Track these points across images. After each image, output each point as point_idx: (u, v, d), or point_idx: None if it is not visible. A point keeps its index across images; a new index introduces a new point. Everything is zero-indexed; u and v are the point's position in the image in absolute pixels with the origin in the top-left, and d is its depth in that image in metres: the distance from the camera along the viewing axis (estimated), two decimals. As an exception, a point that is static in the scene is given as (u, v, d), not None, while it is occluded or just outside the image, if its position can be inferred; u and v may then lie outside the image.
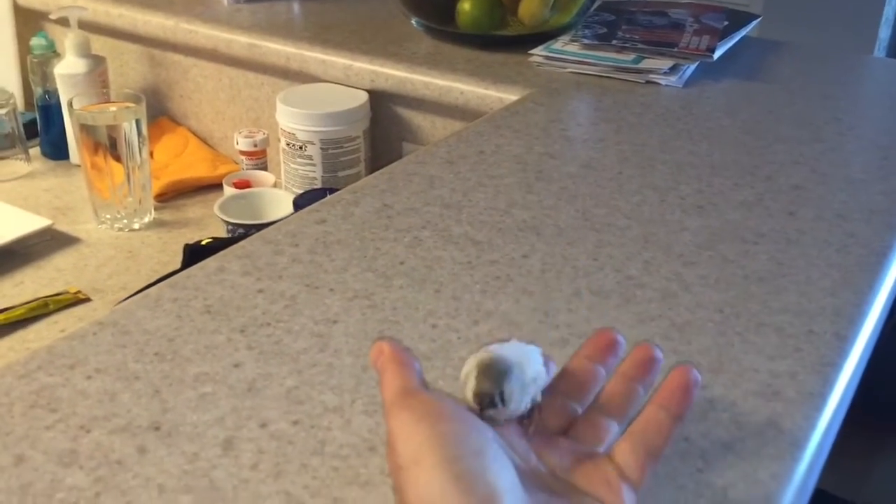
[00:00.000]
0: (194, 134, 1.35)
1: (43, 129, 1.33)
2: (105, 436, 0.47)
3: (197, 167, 1.27)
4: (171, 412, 0.49)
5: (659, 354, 0.43)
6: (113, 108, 1.11)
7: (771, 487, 0.45)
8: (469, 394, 0.38)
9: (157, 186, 1.20)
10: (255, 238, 0.68)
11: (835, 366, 0.55)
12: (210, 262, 0.64)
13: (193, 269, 0.63)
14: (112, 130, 1.07)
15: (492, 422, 0.38)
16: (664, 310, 0.60)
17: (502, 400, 0.38)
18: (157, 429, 0.47)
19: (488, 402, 0.38)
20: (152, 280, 0.95)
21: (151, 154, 1.31)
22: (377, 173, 0.80)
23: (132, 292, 0.93)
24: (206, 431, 0.47)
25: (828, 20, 2.03)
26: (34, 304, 0.95)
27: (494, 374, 0.38)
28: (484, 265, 0.65)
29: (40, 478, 0.44)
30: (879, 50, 2.07)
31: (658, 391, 0.42)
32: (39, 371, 0.52)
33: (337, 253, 0.66)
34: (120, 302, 0.68)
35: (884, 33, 2.05)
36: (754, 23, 1.18)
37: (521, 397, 0.39)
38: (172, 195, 1.23)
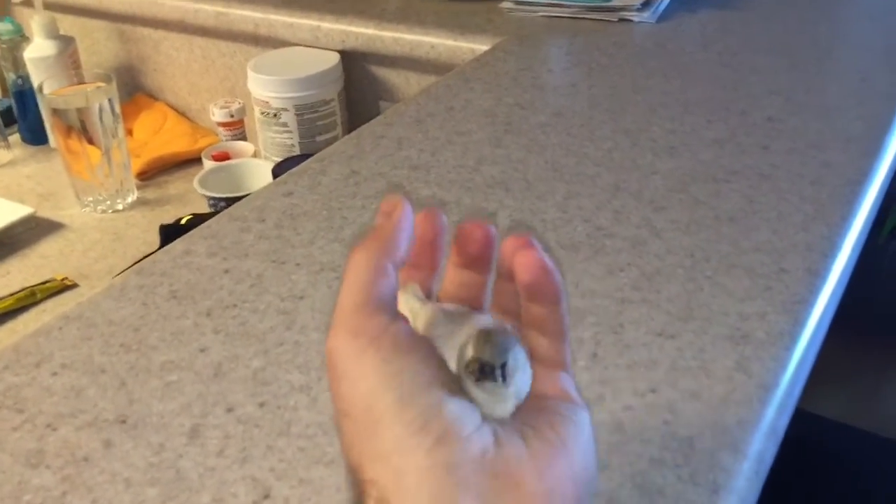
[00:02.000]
0: (172, 108, 1.34)
1: (20, 114, 1.32)
2: (72, 433, 0.47)
3: (177, 142, 1.26)
4: (137, 403, 0.49)
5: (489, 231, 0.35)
6: (84, 88, 1.10)
7: (737, 434, 0.45)
8: (461, 363, 0.32)
9: (137, 165, 1.20)
10: (221, 216, 0.67)
11: (806, 302, 0.55)
12: (177, 245, 0.64)
13: (159, 254, 0.63)
14: (82, 113, 1.06)
15: (484, 401, 0.31)
16: (634, 258, 0.59)
17: (503, 375, 0.31)
18: (124, 422, 0.47)
19: (488, 371, 0.31)
20: (140, 258, 0.95)
21: (130, 132, 1.30)
22: (345, 138, 0.79)
23: (118, 273, 0.93)
24: (173, 421, 0.47)
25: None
26: (21, 293, 0.95)
27: (497, 343, 0.32)
28: (451, 227, 0.64)
29: (8, 480, 0.44)
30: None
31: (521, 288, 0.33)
32: (6, 371, 0.52)
33: (304, 225, 0.65)
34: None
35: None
36: (729, -52, 1.15)
37: (522, 380, 0.32)
38: (154, 172, 1.22)
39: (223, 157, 1.15)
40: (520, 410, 0.32)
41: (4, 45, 1.27)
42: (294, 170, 0.74)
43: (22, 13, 1.37)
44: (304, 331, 0.54)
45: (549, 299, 0.33)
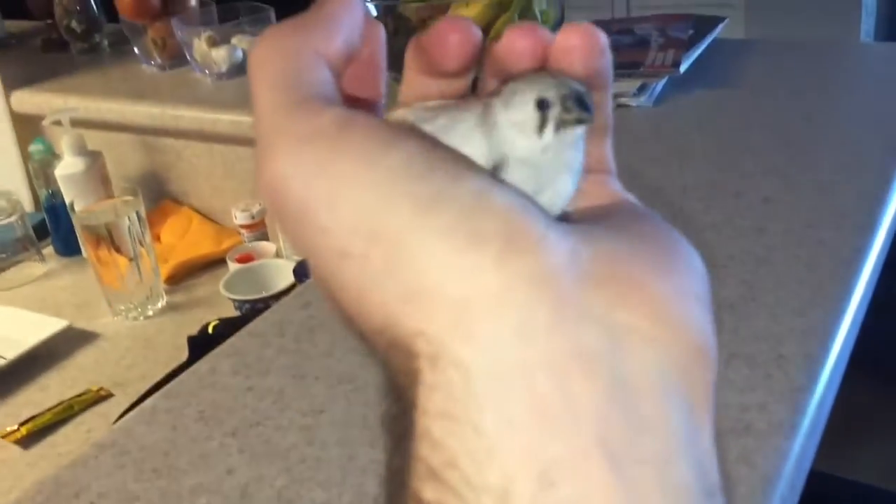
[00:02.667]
0: (197, 211, 1.39)
1: (52, 228, 1.38)
2: (109, 563, 0.50)
3: (202, 244, 1.31)
4: (170, 530, 0.52)
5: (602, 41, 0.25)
6: (113, 203, 1.16)
7: (740, 532, 0.47)
8: (524, 97, 0.23)
9: (166, 270, 1.24)
10: (242, 333, 0.71)
11: (805, 390, 0.56)
12: (201, 365, 0.67)
13: (186, 375, 0.66)
14: (111, 226, 1.12)
15: (546, 164, 0.23)
16: (637, 353, 0.62)
17: (585, 105, 0.23)
18: (157, 549, 0.50)
19: (576, 100, 0.23)
20: (169, 369, 0.99)
21: (159, 237, 1.36)
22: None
23: (151, 383, 0.97)
24: (203, 545, 0.50)
25: (811, 11, 2.03)
26: (59, 408, 0.99)
27: (556, 76, 0.24)
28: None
29: None
30: (866, 35, 2.06)
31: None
32: (47, 503, 0.55)
33: (321, 337, 0.69)
34: (119, 416, 0.71)
35: (866, 24, 2.04)
36: (720, 26, 1.19)
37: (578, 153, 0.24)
38: (183, 276, 1.27)
39: (247, 258, 1.19)
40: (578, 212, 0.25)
41: (37, 164, 1.34)
42: (310, 280, 0.78)
43: (52, 132, 1.44)
44: (324, 446, 0.57)
45: (601, 83, 0.25)
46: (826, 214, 0.76)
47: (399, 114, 0.25)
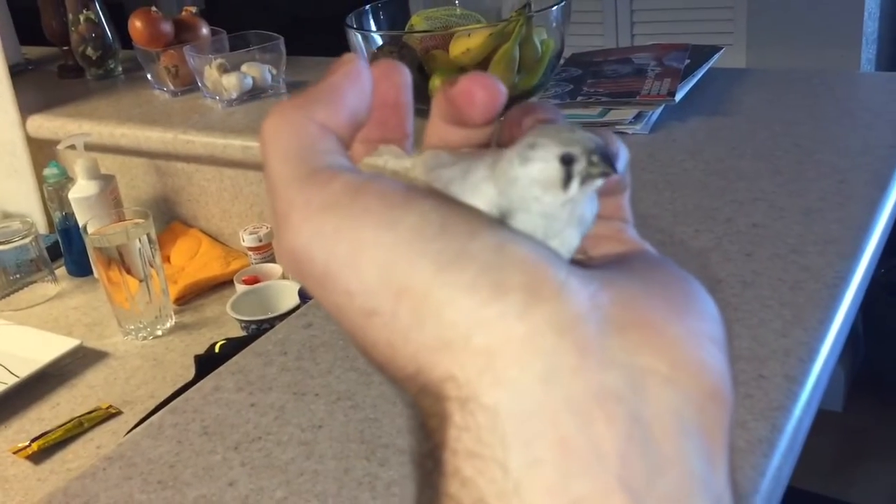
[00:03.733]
0: (206, 234, 1.43)
1: (65, 249, 1.41)
2: (116, 569, 0.52)
3: (211, 266, 1.34)
4: (174, 538, 0.54)
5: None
6: (124, 226, 1.19)
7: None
8: (547, 151, 0.23)
9: (175, 291, 1.28)
10: (247, 352, 0.73)
11: (784, 409, 0.59)
12: (207, 382, 0.70)
13: (192, 392, 0.69)
14: (122, 248, 1.15)
15: (580, 184, 0.23)
16: (624, 373, 0.64)
17: (609, 160, 0.23)
18: (161, 556, 0.53)
19: (601, 154, 0.23)
20: (177, 387, 1.02)
21: (168, 259, 1.39)
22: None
23: (159, 401, 1.00)
24: (205, 553, 0.53)
25: (812, 40, 2.06)
26: (69, 424, 1.02)
27: (574, 130, 0.24)
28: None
29: None
30: (866, 65, 2.09)
31: None
32: (57, 513, 0.58)
33: (322, 356, 0.71)
34: (129, 431, 0.74)
35: (867, 52, 2.07)
36: (716, 56, 1.23)
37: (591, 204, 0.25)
38: (191, 297, 1.30)
39: (253, 280, 1.23)
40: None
41: (51, 188, 1.38)
42: (313, 301, 0.81)
43: (67, 156, 1.48)
44: (322, 459, 0.59)
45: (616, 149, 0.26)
46: (811, 241, 0.78)
47: (425, 156, 0.26)
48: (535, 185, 0.23)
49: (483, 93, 0.25)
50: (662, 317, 0.22)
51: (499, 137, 0.27)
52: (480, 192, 0.23)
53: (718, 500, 0.21)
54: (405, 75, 0.27)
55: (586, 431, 0.20)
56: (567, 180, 0.23)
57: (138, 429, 0.66)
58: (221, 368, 0.72)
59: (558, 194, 0.23)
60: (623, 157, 0.26)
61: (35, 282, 1.37)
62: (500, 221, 0.23)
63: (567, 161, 0.23)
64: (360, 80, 0.25)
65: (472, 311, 0.20)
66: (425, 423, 0.21)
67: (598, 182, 0.23)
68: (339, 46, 1.25)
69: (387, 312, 0.21)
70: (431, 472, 0.21)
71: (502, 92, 0.25)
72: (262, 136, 0.24)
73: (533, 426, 0.20)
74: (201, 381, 0.70)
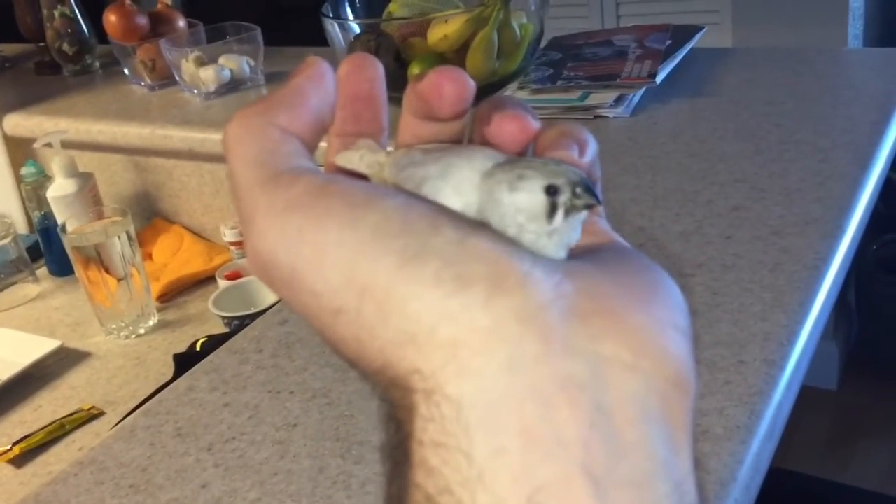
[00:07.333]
0: (188, 229, 1.41)
1: (46, 249, 1.40)
2: (85, 577, 0.51)
3: (193, 262, 1.33)
4: (144, 543, 0.53)
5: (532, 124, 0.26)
6: (103, 224, 1.18)
7: (692, 535, 0.48)
8: (533, 184, 0.24)
9: (157, 288, 1.26)
10: (221, 350, 0.72)
11: (763, 394, 0.58)
12: (181, 382, 0.69)
13: (166, 393, 0.68)
14: (101, 246, 1.14)
15: (564, 216, 0.24)
16: (603, 362, 0.63)
17: (594, 193, 0.24)
18: (132, 563, 0.52)
19: (584, 186, 0.24)
20: (159, 385, 1.01)
21: (151, 256, 1.38)
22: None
23: (140, 401, 0.99)
24: (176, 558, 0.52)
25: (798, 17, 2.04)
26: (51, 427, 1.01)
27: (558, 164, 0.25)
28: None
29: None
30: (853, 41, 2.07)
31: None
32: (27, 520, 0.57)
33: (298, 352, 0.70)
34: (116, 424, 0.72)
35: (854, 28, 2.06)
36: (698, 36, 1.21)
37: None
38: (174, 294, 1.29)
39: (235, 275, 1.21)
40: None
41: (29, 187, 1.36)
42: (290, 296, 0.79)
43: (44, 154, 1.46)
44: (296, 459, 0.58)
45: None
46: (792, 222, 0.77)
47: (400, 152, 0.26)
48: (520, 214, 0.24)
49: (451, 86, 0.25)
50: (626, 305, 0.22)
51: (470, 132, 0.27)
52: (462, 192, 0.24)
53: (680, 485, 0.22)
54: (378, 69, 0.27)
55: (549, 419, 0.20)
56: (552, 211, 0.24)
57: (111, 432, 0.65)
58: (196, 368, 0.70)
59: (543, 224, 0.24)
60: (592, 148, 0.26)
61: (16, 283, 1.35)
62: (462, 216, 0.23)
63: (552, 192, 0.24)
64: (323, 81, 0.25)
65: (436, 303, 0.20)
66: (394, 415, 0.21)
67: (583, 214, 0.24)
68: (324, 34, 1.23)
69: (352, 310, 0.21)
70: (400, 463, 0.21)
71: (470, 85, 0.25)
72: (224, 142, 0.24)
73: (497, 415, 0.20)
74: (175, 382, 0.69)
